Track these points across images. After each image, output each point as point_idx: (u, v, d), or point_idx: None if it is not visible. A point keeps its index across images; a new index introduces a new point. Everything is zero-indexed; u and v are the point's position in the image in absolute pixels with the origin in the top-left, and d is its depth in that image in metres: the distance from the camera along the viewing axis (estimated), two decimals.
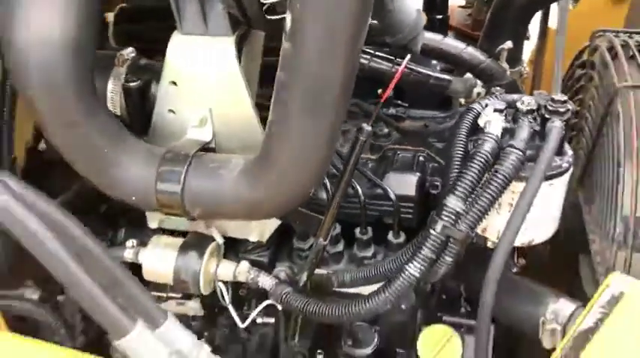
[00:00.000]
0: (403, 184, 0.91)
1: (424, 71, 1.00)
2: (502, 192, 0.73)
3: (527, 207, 0.74)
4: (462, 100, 1.04)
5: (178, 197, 0.75)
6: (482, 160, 0.72)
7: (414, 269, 0.73)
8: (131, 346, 0.58)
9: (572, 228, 0.96)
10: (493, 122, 0.77)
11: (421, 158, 0.94)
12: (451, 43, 1.03)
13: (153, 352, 0.57)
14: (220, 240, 0.90)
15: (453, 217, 0.72)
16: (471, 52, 1.02)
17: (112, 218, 1.01)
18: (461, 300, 1.01)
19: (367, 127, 0.78)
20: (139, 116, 0.85)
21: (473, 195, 0.73)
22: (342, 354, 0.93)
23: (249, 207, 0.76)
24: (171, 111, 0.82)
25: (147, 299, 0.75)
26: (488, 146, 0.73)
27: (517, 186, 0.76)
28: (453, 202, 0.72)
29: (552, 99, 0.77)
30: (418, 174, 0.92)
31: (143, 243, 0.90)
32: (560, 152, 0.78)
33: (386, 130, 0.99)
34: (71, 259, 0.67)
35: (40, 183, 0.78)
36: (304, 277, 0.85)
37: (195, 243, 0.88)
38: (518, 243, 0.82)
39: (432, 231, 0.73)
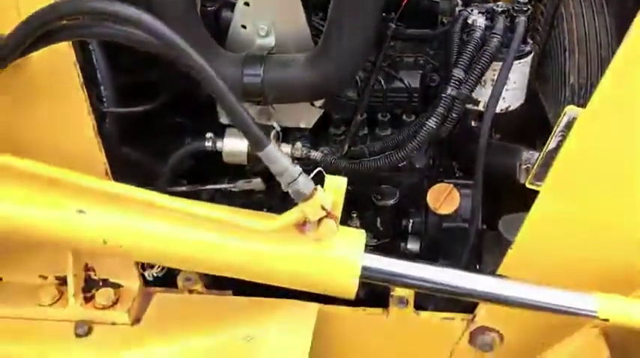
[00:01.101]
0: (410, 79, 1.22)
1: None
2: (488, 65, 1.05)
3: (504, 79, 1.07)
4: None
5: (259, 85, 1.04)
6: (475, 43, 1.05)
7: (432, 122, 1.05)
8: (270, 156, 0.86)
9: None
10: (478, 20, 1.09)
11: (421, 61, 1.25)
12: None
13: (284, 159, 0.85)
14: (278, 128, 1.19)
15: (458, 83, 1.04)
16: None
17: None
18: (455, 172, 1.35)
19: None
20: (213, 34, 1.13)
21: (470, 69, 1.05)
22: (372, 207, 1.25)
23: (311, 88, 1.06)
24: (243, 26, 1.11)
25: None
26: (477, 34, 1.06)
27: (497, 65, 1.09)
28: (457, 72, 1.04)
29: (517, 2, 1.10)
30: (420, 71, 1.23)
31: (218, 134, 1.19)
32: (524, 41, 1.12)
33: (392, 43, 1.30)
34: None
35: None
36: (346, 146, 1.16)
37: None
38: (498, 109, 1.16)
39: (443, 94, 1.05)
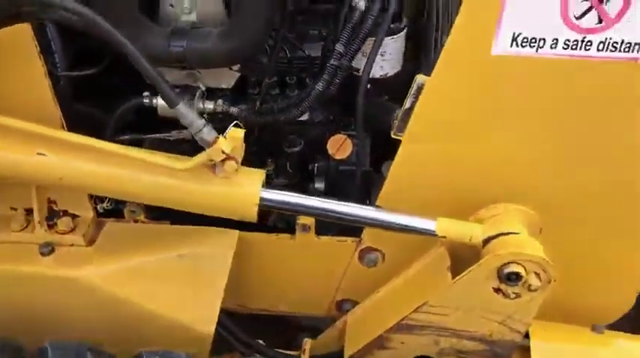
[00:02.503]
0: (313, 49, 1.49)
1: None
2: (364, 41, 1.33)
3: (377, 49, 1.35)
4: None
5: (183, 53, 1.31)
6: (353, 22, 1.32)
7: (319, 86, 1.34)
8: (180, 111, 1.14)
9: None
10: (360, 2, 1.36)
11: (324, 33, 1.51)
12: None
13: (191, 114, 1.13)
14: (203, 88, 1.47)
15: (339, 55, 1.33)
16: None
17: None
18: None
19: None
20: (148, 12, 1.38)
21: (349, 44, 1.33)
22: (283, 154, 1.55)
23: (223, 57, 1.33)
24: (171, 5, 1.37)
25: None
26: (356, 14, 1.33)
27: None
28: (339, 46, 1.32)
29: None
30: (322, 42, 1.50)
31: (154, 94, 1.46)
32: (400, 19, 1.40)
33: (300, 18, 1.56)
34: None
35: None
36: (257, 104, 1.45)
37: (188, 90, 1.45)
38: (377, 74, 1.45)
39: (327, 64, 1.33)
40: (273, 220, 1.65)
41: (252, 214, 1.27)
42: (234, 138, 1.17)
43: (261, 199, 1.28)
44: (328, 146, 1.52)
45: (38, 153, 1.25)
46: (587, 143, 1.29)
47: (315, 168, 1.58)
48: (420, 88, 1.28)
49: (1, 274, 1.41)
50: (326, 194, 1.60)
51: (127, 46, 1.08)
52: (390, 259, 1.54)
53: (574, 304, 1.49)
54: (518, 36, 1.17)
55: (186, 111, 1.14)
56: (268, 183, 1.56)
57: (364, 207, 1.34)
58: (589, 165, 1.31)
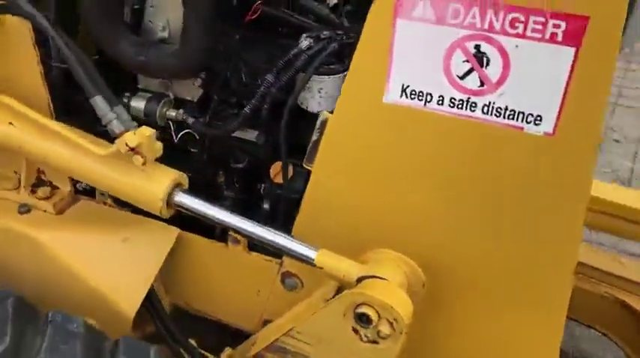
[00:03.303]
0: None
1: None
2: (296, 73, 1.44)
3: (301, 86, 1.43)
4: None
5: (144, 62, 1.52)
6: (287, 58, 1.44)
7: (248, 110, 1.47)
8: (96, 104, 1.35)
9: None
10: (304, 42, 1.47)
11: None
12: None
13: (105, 108, 1.33)
14: (172, 97, 1.66)
15: (267, 85, 1.45)
16: None
17: None
18: None
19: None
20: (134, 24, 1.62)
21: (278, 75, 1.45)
22: (230, 168, 1.69)
23: (171, 71, 1.52)
24: (150, 21, 1.60)
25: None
26: (293, 51, 1.45)
27: (319, 78, 1.46)
28: (269, 76, 1.44)
29: (336, 33, 1.47)
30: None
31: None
32: (341, 61, 1.49)
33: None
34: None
35: None
36: (207, 118, 1.61)
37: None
38: (315, 110, 1.54)
39: (257, 91, 1.46)
40: None
41: (157, 208, 1.43)
42: (141, 135, 1.34)
43: (169, 197, 1.42)
44: (271, 169, 1.64)
45: (9, 123, 1.52)
46: (479, 206, 1.27)
47: (262, 189, 1.70)
48: (323, 124, 1.36)
49: None
50: (272, 215, 1.70)
51: (64, 49, 1.31)
52: (308, 286, 1.59)
53: None
54: (407, 88, 1.22)
55: (101, 104, 1.34)
56: (217, 194, 1.71)
57: (255, 224, 1.42)
58: (482, 229, 1.29)
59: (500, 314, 1.35)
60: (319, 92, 1.49)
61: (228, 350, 1.73)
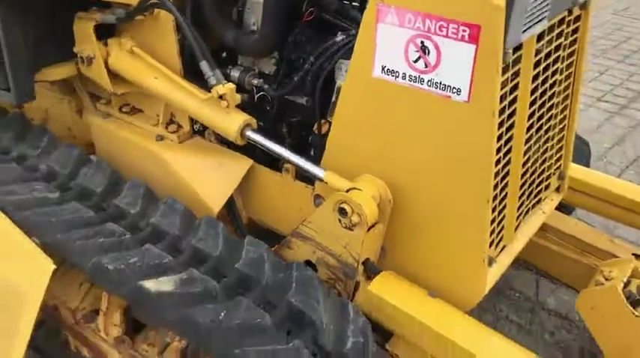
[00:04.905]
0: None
1: None
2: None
3: None
4: None
5: (242, 45, 2.35)
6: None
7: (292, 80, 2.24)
8: (202, 67, 2.20)
9: None
10: (339, 37, 2.20)
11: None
12: None
13: (210, 70, 2.19)
14: (257, 70, 2.48)
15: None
16: None
17: None
18: None
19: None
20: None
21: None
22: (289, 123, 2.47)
23: (259, 49, 2.34)
24: (246, 19, 2.42)
25: None
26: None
27: None
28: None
29: None
30: None
31: None
32: None
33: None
34: None
35: None
36: (272, 82, 2.41)
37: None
38: None
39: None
40: None
41: (233, 137, 2.24)
42: (227, 87, 2.16)
43: (241, 131, 2.24)
44: (315, 125, 2.39)
45: (155, 77, 2.42)
46: (424, 147, 1.92)
47: (309, 138, 2.46)
48: (338, 90, 2.09)
49: (133, 141, 2.64)
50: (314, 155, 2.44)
51: (188, 33, 2.17)
52: None
53: (434, 283, 2.07)
54: (385, 67, 1.91)
55: (204, 67, 2.18)
56: (281, 140, 2.49)
57: (296, 156, 2.18)
58: (425, 165, 1.94)
59: (437, 225, 1.99)
60: (344, 70, 2.21)
61: None
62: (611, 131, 4.93)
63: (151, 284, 1.85)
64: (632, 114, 5.22)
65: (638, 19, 7.39)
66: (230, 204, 2.59)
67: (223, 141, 2.57)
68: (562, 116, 2.41)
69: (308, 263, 2.14)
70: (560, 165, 2.57)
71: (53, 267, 2.06)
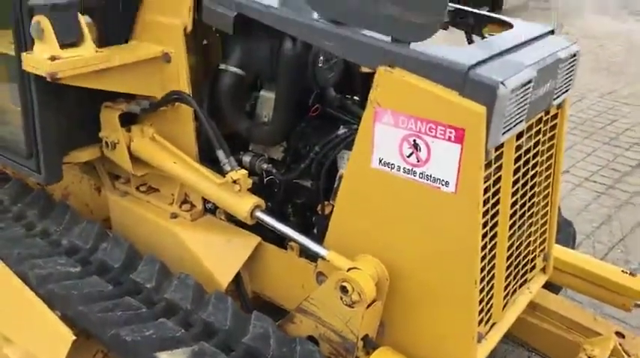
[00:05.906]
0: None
1: None
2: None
3: None
4: None
5: (253, 135, 2.61)
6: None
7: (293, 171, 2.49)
8: (218, 154, 2.44)
9: None
10: (342, 130, 2.46)
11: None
12: None
13: (225, 158, 2.44)
14: (267, 156, 2.73)
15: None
16: None
17: None
18: None
19: None
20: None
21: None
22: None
23: (268, 139, 2.60)
24: (258, 112, 2.69)
25: None
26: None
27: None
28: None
29: None
30: None
31: None
32: None
33: None
34: None
35: None
36: (282, 168, 2.64)
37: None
38: None
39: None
40: None
41: (243, 218, 2.46)
42: (240, 173, 2.40)
43: (251, 212, 2.46)
44: (318, 207, 2.61)
45: (174, 162, 2.66)
46: (416, 235, 2.13)
47: (313, 219, 2.67)
48: (340, 177, 2.33)
49: (149, 218, 2.85)
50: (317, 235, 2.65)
51: (205, 123, 2.43)
52: None
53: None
54: (382, 159, 2.15)
55: (220, 155, 2.42)
56: (287, 219, 2.71)
57: (301, 235, 2.39)
58: (417, 250, 2.14)
59: (430, 304, 2.16)
60: (345, 159, 2.46)
61: None
62: (599, 210, 5.16)
63: (165, 356, 2.01)
64: (617, 195, 5.46)
65: (622, 102, 7.79)
66: (237, 278, 2.77)
67: (232, 219, 2.78)
68: (544, 202, 2.63)
69: (310, 338, 2.30)
70: (545, 247, 2.76)
71: (73, 337, 2.22)
